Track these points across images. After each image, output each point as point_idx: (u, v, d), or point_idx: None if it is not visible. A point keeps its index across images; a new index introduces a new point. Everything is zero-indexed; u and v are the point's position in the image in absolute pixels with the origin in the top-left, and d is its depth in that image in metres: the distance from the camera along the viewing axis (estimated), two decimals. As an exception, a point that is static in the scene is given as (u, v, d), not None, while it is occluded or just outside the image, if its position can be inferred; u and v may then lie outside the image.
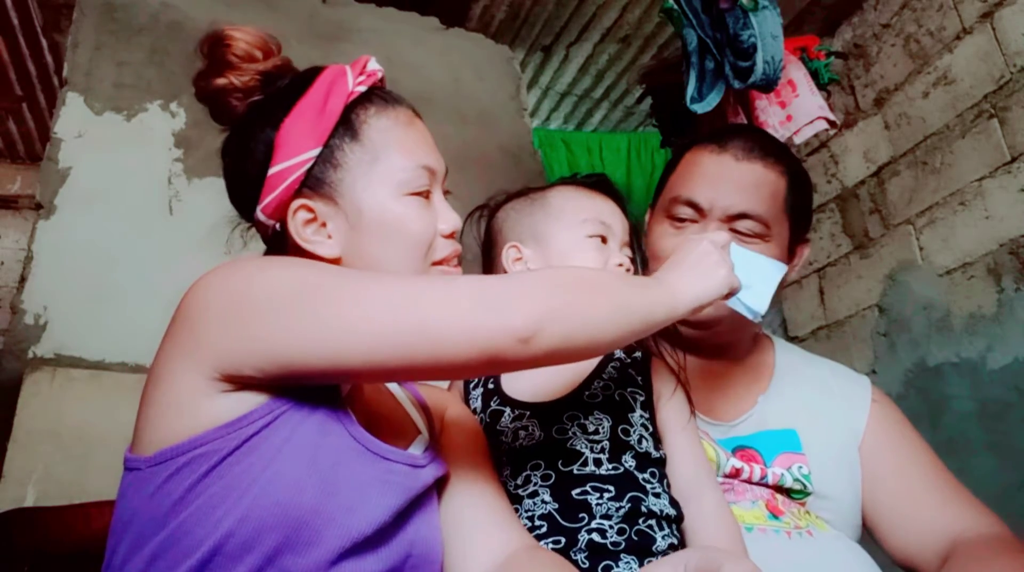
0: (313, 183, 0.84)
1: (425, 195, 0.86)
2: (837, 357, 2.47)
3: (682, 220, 1.18)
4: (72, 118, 1.97)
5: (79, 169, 1.92)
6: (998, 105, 2.12)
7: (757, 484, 1.07)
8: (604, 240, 1.02)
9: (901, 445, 1.17)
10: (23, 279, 1.79)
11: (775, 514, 1.04)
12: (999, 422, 2.05)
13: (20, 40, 3.02)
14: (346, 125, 0.85)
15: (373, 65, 0.90)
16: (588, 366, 0.99)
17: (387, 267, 0.83)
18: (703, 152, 1.21)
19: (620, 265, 1.01)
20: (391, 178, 0.84)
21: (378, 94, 0.89)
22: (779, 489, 1.08)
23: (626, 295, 0.78)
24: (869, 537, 1.17)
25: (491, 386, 1.00)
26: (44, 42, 3.02)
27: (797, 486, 1.08)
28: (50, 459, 1.63)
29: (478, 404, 1.00)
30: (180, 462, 0.70)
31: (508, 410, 0.96)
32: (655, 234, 1.22)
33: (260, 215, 0.85)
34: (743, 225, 1.15)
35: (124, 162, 1.96)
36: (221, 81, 0.87)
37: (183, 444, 0.70)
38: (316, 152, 0.83)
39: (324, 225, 0.84)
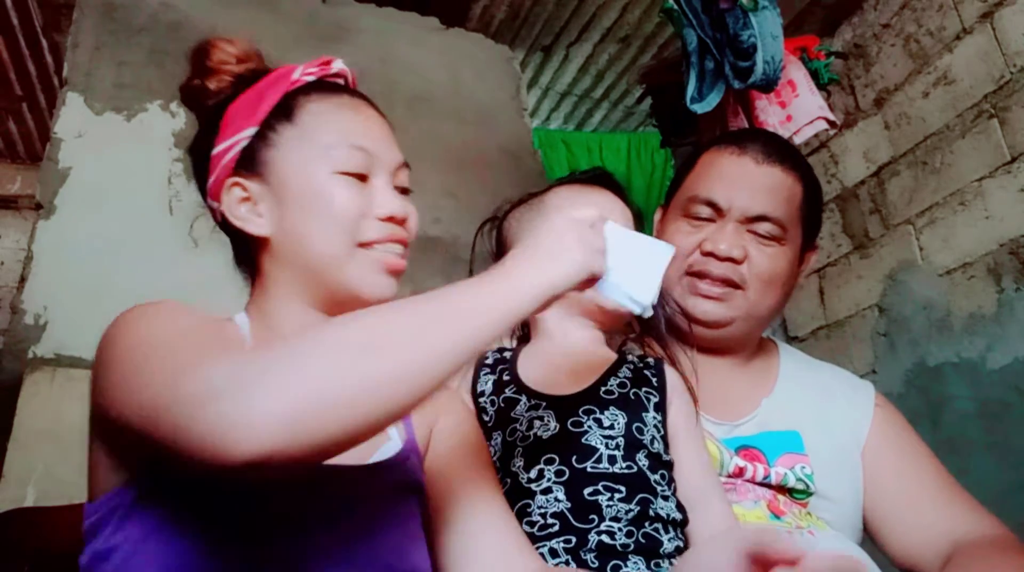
0: (247, 162, 0.87)
1: (360, 178, 0.86)
2: (837, 357, 2.48)
3: (700, 219, 1.19)
4: (72, 118, 1.97)
5: (79, 169, 1.92)
6: (998, 105, 2.12)
7: (760, 484, 1.08)
8: None
9: (904, 450, 1.17)
10: (23, 279, 1.79)
11: (777, 514, 1.05)
12: (999, 422, 2.05)
13: (20, 40, 3.02)
14: (284, 107, 0.88)
15: (338, 65, 0.93)
16: (605, 362, 1.00)
17: (310, 243, 0.84)
18: (723, 153, 1.22)
19: None
20: (319, 156, 0.85)
21: (328, 84, 0.92)
22: (781, 489, 1.09)
23: (444, 325, 0.66)
24: (869, 540, 1.17)
25: (507, 377, 1.00)
26: (44, 42, 3.02)
27: (800, 486, 1.08)
28: (50, 459, 1.62)
29: (488, 387, 1.00)
30: (100, 514, 0.73)
31: (524, 399, 0.96)
32: (671, 232, 1.22)
33: (209, 199, 0.90)
34: (761, 227, 1.16)
35: (124, 162, 1.96)
36: (196, 83, 0.93)
37: (103, 499, 0.73)
38: (252, 131, 0.87)
39: (257, 204, 0.86)
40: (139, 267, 1.84)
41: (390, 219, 0.87)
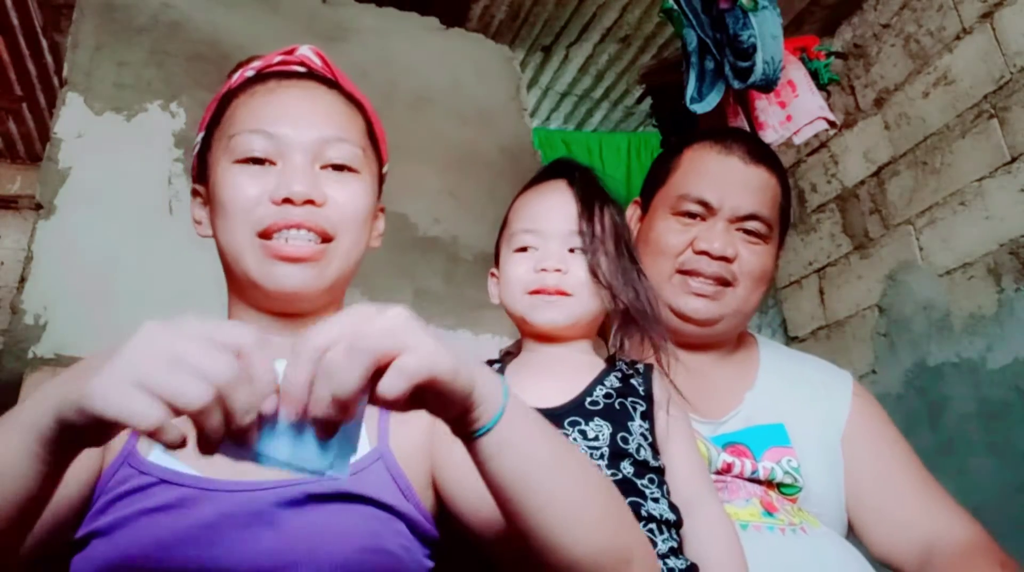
0: (200, 169, 0.90)
1: (262, 162, 0.82)
2: (837, 357, 2.48)
3: (690, 217, 1.20)
4: (72, 118, 1.96)
5: (79, 169, 1.91)
6: (998, 105, 2.12)
7: (749, 480, 1.08)
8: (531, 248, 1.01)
9: (881, 441, 1.19)
10: (23, 279, 1.79)
11: (769, 511, 1.05)
12: (999, 422, 2.05)
13: (20, 40, 3.02)
14: (218, 110, 0.89)
15: (303, 51, 0.92)
16: (592, 371, 0.99)
17: (220, 238, 0.84)
18: (709, 152, 1.24)
19: (544, 270, 0.99)
20: (224, 148, 0.84)
21: (262, 75, 0.89)
22: (771, 485, 1.09)
23: None
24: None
25: None
26: (44, 42, 3.01)
27: (788, 480, 1.09)
28: (50, 459, 1.62)
29: None
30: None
31: None
32: (660, 230, 1.23)
33: None
34: (752, 225, 1.19)
35: (124, 162, 1.96)
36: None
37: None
38: (200, 137, 0.90)
39: (207, 207, 0.89)
40: (139, 267, 1.84)
41: (287, 202, 0.79)
